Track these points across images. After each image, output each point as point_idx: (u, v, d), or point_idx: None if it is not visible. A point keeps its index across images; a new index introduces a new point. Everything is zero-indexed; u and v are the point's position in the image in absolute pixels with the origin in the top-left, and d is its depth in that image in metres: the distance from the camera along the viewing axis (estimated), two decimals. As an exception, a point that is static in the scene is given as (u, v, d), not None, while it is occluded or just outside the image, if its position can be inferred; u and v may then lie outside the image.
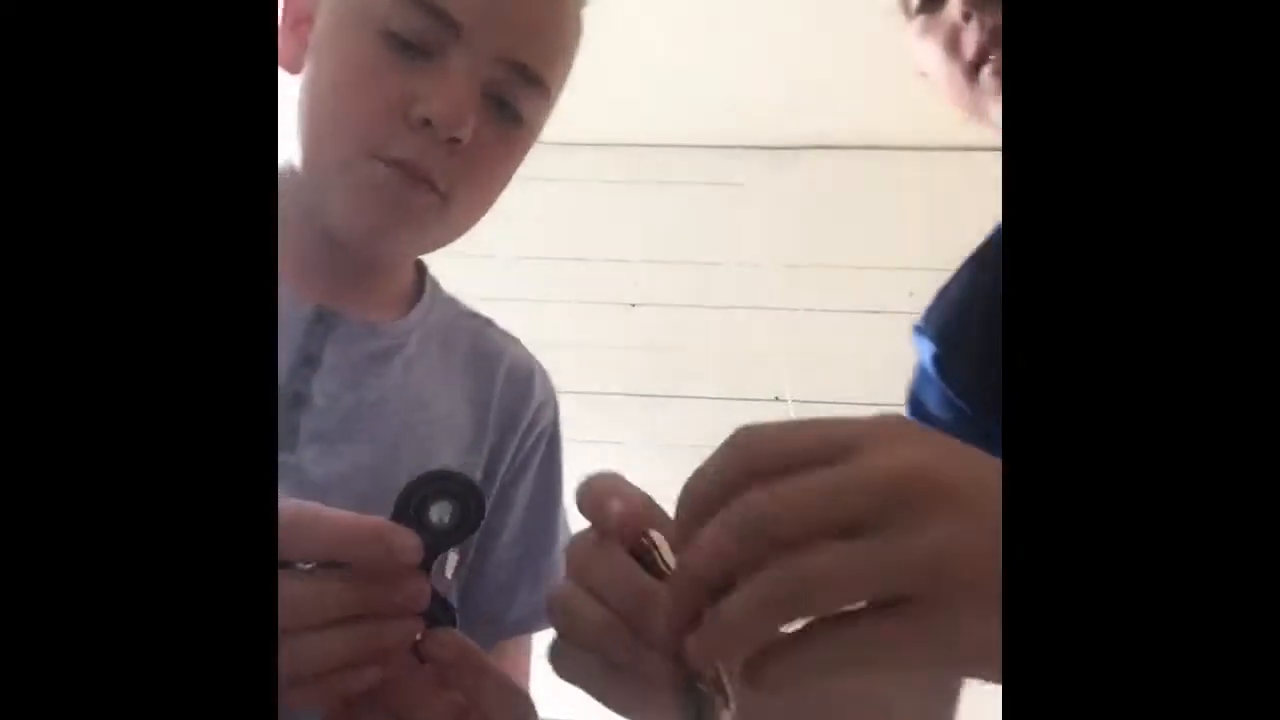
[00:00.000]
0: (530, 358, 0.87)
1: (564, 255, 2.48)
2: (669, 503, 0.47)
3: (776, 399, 2.37)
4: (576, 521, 0.91)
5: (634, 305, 2.48)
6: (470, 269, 2.47)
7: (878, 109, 2.30)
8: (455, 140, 0.69)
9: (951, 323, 0.77)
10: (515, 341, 0.88)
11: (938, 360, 0.76)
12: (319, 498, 0.67)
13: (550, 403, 0.86)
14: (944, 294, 0.81)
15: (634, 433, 2.39)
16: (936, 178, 2.38)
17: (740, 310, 2.55)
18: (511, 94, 0.72)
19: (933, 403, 0.75)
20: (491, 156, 0.73)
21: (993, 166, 0.55)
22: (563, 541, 0.85)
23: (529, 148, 0.77)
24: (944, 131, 2.47)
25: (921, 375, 0.78)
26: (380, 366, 0.76)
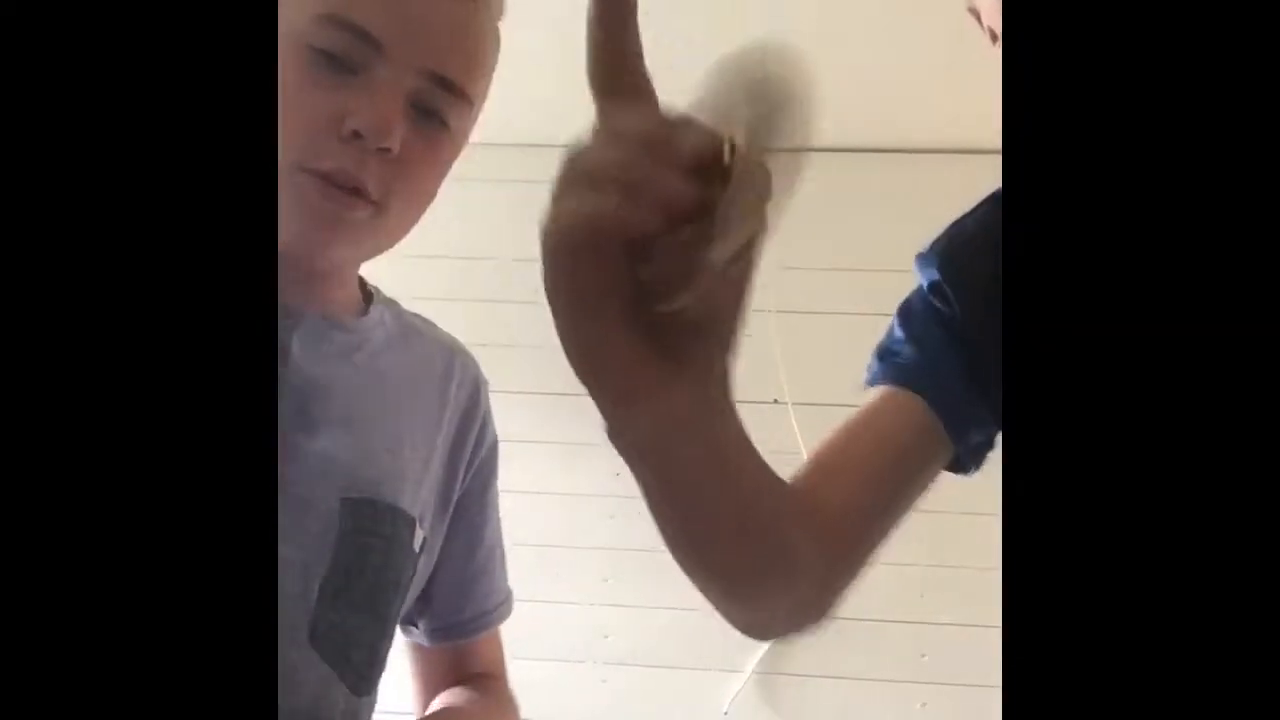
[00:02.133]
0: (475, 361, 0.94)
1: (563, 257, 2.47)
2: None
3: (776, 401, 2.37)
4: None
5: (633, 307, 2.48)
6: (470, 270, 2.47)
7: (877, 111, 2.30)
8: (385, 150, 0.74)
9: (957, 248, 0.79)
10: (458, 341, 0.95)
11: (935, 286, 0.77)
12: (302, 468, 0.75)
13: (489, 410, 0.94)
14: (956, 225, 0.82)
15: (633, 435, 2.39)
16: (936, 180, 2.38)
17: (740, 312, 2.53)
18: (435, 104, 0.76)
19: (919, 326, 0.77)
20: (421, 164, 0.77)
21: (993, 168, 0.55)
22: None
23: (456, 154, 0.82)
24: (944, 134, 2.47)
25: (919, 299, 0.79)
26: (347, 359, 0.82)
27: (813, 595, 0.70)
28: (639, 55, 0.44)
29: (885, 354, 0.77)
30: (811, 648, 2.37)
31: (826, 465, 0.71)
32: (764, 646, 2.32)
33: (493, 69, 0.82)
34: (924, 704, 2.30)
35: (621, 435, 0.49)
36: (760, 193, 0.40)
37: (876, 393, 0.75)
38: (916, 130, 2.33)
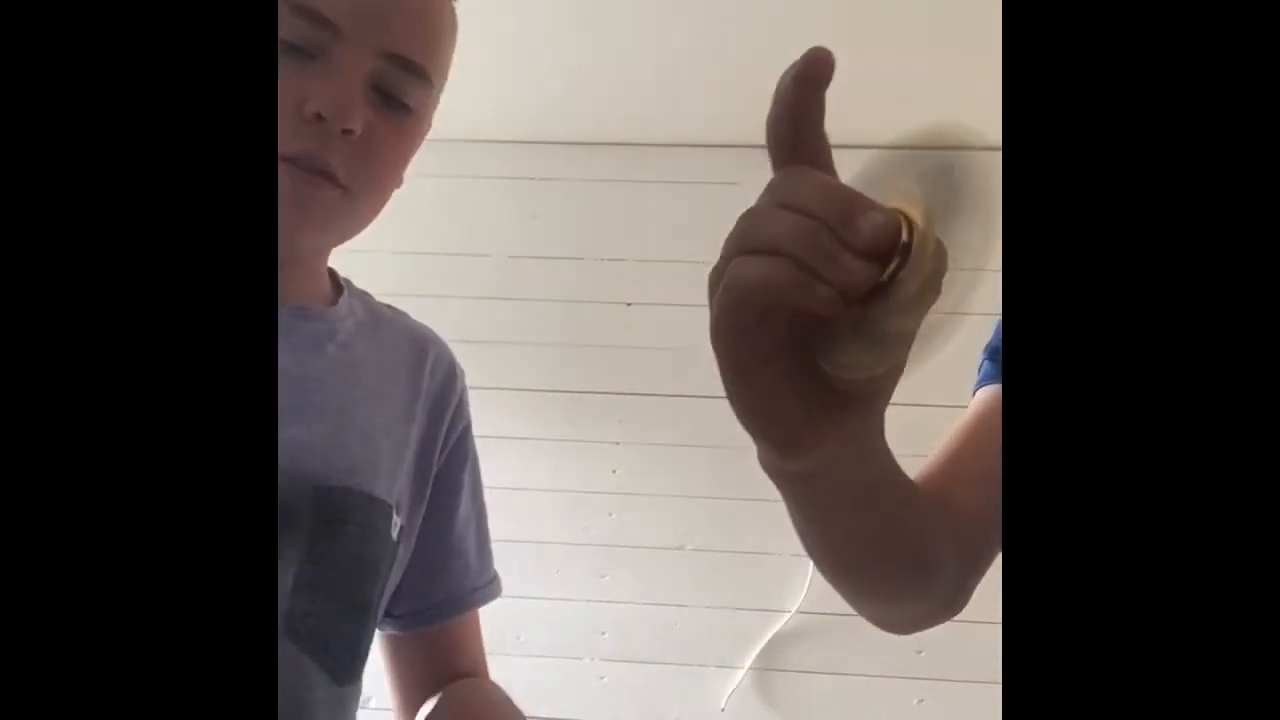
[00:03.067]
0: (447, 347, 0.94)
1: (559, 254, 2.47)
2: (665, 501, 0.47)
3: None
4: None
5: (630, 304, 2.48)
6: (466, 267, 2.47)
7: (875, 108, 2.30)
8: (349, 131, 0.75)
9: None
10: (430, 329, 0.95)
11: None
12: (279, 459, 0.72)
13: (465, 393, 0.94)
14: None
15: (630, 432, 2.39)
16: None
17: (737, 309, 2.52)
18: (396, 85, 0.77)
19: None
20: (385, 146, 0.78)
21: (993, 166, 0.56)
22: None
23: (421, 137, 0.83)
24: (942, 131, 2.47)
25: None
26: (318, 348, 0.83)
27: (950, 592, 0.72)
28: (822, 119, 0.44)
29: (995, 353, 0.78)
30: (809, 644, 2.36)
31: (954, 467, 0.73)
32: (761, 643, 2.33)
33: (451, 49, 0.83)
34: (921, 700, 2.31)
35: (773, 470, 0.51)
36: (937, 269, 0.41)
37: (989, 392, 0.76)
38: (914, 130, 2.33)
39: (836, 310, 0.40)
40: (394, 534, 0.83)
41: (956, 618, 0.75)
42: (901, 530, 0.62)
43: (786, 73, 0.43)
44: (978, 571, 0.74)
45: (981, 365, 0.79)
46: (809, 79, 0.43)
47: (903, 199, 0.41)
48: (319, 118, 0.74)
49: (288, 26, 0.73)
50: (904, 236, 0.40)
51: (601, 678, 2.41)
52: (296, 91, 0.74)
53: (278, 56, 0.73)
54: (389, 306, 0.94)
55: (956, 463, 0.74)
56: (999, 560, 0.73)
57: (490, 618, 0.96)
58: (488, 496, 0.97)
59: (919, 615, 0.74)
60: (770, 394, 0.45)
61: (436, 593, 0.91)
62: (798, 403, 0.45)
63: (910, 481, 0.63)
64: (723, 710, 2.36)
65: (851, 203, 0.41)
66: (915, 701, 2.31)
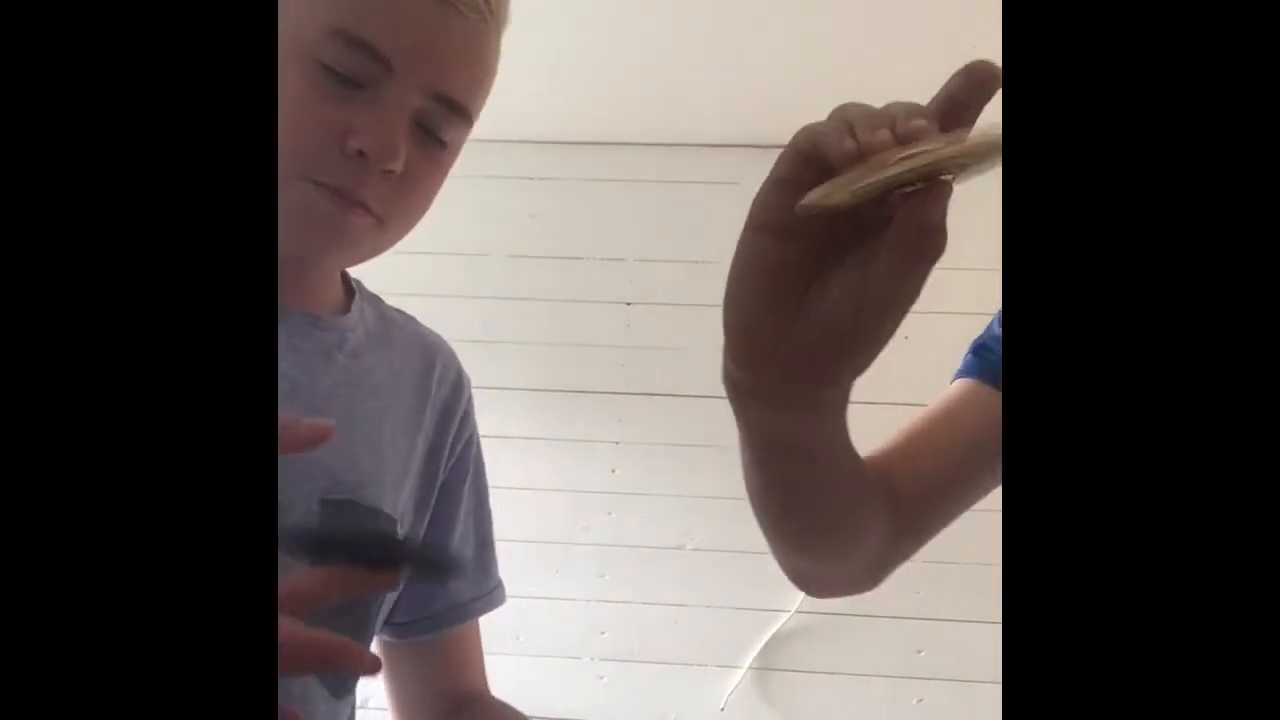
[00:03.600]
0: (456, 357, 0.94)
1: (559, 254, 2.47)
2: (665, 501, 0.48)
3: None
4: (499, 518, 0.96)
5: (630, 304, 2.48)
6: (466, 267, 2.47)
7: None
8: (389, 171, 0.74)
9: None
10: (440, 336, 0.95)
11: None
12: (285, 469, 0.72)
13: (471, 403, 0.94)
14: None
15: (630, 431, 2.39)
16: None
17: (737, 309, 2.52)
18: (438, 124, 0.76)
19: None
20: (421, 180, 0.78)
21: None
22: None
23: (451, 166, 0.83)
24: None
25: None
26: (328, 358, 0.82)
27: (872, 564, 0.74)
28: (974, 117, 0.50)
29: (979, 349, 0.80)
30: (808, 643, 2.36)
31: (905, 448, 0.76)
32: (761, 643, 2.33)
33: (493, 82, 0.82)
34: (920, 699, 2.31)
35: (725, 380, 0.55)
36: (901, 188, 0.47)
37: (962, 385, 0.78)
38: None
39: (846, 158, 0.47)
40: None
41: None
42: (834, 486, 0.64)
43: (960, 71, 0.50)
44: (905, 549, 0.76)
45: (965, 357, 0.80)
46: (975, 81, 0.49)
47: (980, 137, 0.46)
48: (361, 154, 0.72)
49: (336, 54, 0.72)
50: (929, 146, 0.46)
51: (601, 678, 2.42)
52: (340, 123, 0.72)
53: (321, 81, 0.72)
54: (399, 311, 0.93)
55: (910, 444, 0.76)
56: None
57: (490, 618, 0.96)
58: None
59: (837, 578, 0.76)
60: (757, 280, 0.51)
61: (435, 602, 0.91)
62: (772, 315, 0.51)
63: (854, 451, 0.65)
64: (723, 710, 2.37)
65: (921, 110, 0.48)
66: (915, 701, 2.31)
